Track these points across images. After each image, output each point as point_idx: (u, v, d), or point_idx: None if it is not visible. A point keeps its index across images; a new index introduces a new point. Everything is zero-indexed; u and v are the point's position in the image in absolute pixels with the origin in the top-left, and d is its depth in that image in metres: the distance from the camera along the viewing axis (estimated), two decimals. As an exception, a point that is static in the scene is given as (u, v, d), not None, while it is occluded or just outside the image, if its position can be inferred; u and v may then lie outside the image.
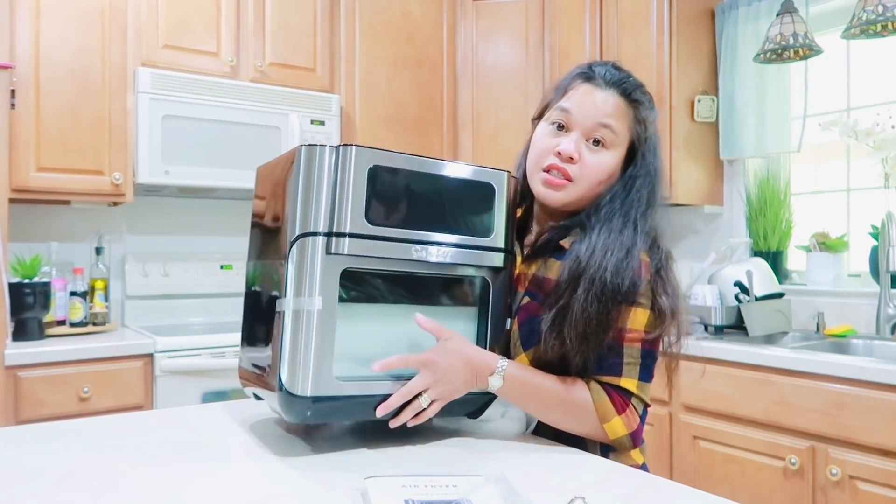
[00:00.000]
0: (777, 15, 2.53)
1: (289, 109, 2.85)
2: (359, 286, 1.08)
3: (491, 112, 3.33)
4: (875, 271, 2.47)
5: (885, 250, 2.36)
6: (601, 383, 1.10)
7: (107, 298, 2.68)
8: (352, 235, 1.02)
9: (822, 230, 2.68)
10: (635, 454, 1.16)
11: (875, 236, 2.50)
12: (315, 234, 1.01)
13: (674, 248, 2.87)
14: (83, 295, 2.61)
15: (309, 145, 1.03)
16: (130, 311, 2.86)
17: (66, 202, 2.63)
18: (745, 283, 2.55)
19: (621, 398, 1.09)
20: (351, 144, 1.03)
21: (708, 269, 2.74)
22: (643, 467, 1.18)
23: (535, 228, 1.26)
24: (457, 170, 1.12)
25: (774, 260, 2.79)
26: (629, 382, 1.10)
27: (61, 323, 2.56)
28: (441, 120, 3.32)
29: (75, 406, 2.25)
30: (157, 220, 3.00)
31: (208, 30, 2.76)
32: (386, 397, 1.06)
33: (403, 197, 1.08)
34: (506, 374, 1.09)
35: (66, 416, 2.18)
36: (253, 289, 1.18)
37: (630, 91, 1.18)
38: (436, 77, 3.31)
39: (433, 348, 1.08)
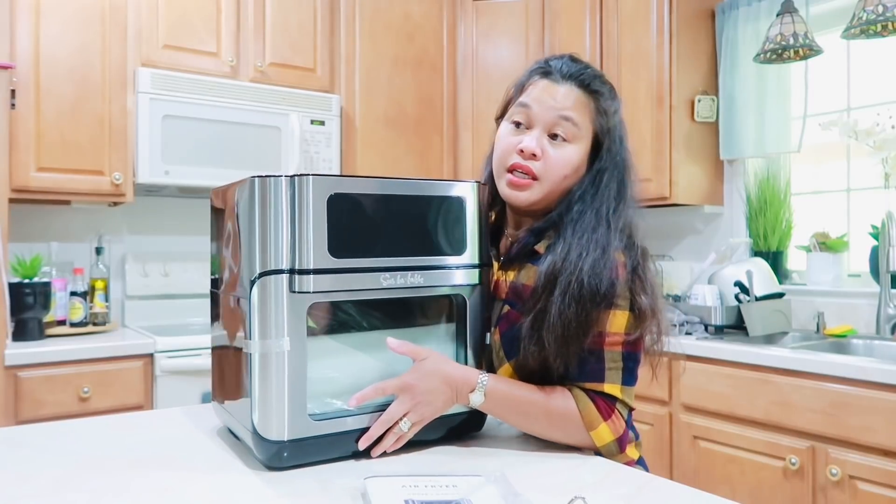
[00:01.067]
0: (777, 15, 2.53)
1: (289, 109, 2.85)
2: (329, 315, 1.04)
3: (491, 112, 3.29)
4: (875, 271, 2.47)
5: (885, 250, 2.36)
6: (584, 390, 1.08)
7: (107, 298, 2.68)
8: (316, 272, 0.97)
9: (822, 230, 2.68)
10: (630, 450, 1.16)
11: (875, 236, 2.50)
12: (276, 272, 0.96)
13: (674, 248, 2.87)
14: (83, 295, 2.61)
15: (261, 177, 0.97)
16: (130, 311, 2.86)
17: (66, 202, 2.63)
18: (745, 283, 2.55)
19: (606, 404, 1.07)
20: (307, 174, 0.98)
21: (708, 269, 2.74)
22: (640, 461, 1.17)
23: (509, 231, 1.24)
24: (423, 188, 1.08)
25: (774, 260, 2.79)
26: (612, 388, 1.08)
27: (61, 323, 2.56)
28: (441, 120, 3.32)
29: (75, 406, 2.25)
30: (157, 220, 3.00)
31: (208, 30, 2.76)
32: (359, 432, 1.03)
33: (368, 223, 1.02)
34: (487, 388, 1.07)
35: (66, 416, 2.18)
36: (218, 320, 1.14)
37: (588, 82, 1.16)
38: (436, 77, 3.31)
39: (410, 370, 1.05)
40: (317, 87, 3.00)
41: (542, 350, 1.06)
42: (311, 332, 1.01)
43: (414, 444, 1.09)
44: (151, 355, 2.40)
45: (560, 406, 1.07)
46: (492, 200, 1.22)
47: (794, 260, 2.85)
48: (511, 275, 1.17)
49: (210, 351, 1.21)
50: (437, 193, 1.09)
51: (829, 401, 1.97)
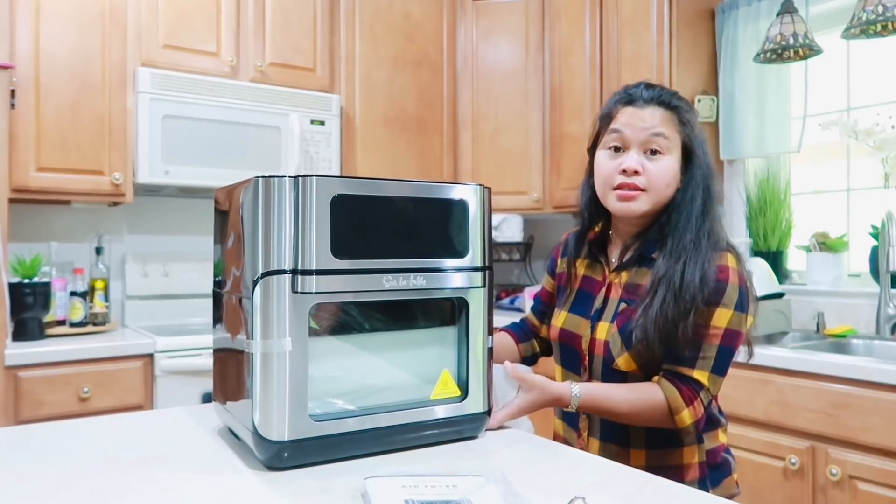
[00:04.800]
0: (777, 15, 2.53)
1: (289, 109, 2.85)
2: (331, 316, 1.04)
3: (491, 112, 3.33)
4: (875, 271, 2.47)
5: (885, 250, 2.35)
6: (672, 375, 1.21)
7: (107, 298, 2.68)
8: (318, 272, 0.97)
9: (822, 230, 2.68)
10: (722, 434, 1.32)
11: (875, 236, 2.50)
12: (279, 272, 0.97)
13: None
14: (83, 295, 2.61)
15: (265, 177, 0.98)
16: (130, 311, 2.86)
17: (66, 202, 2.63)
18: (745, 283, 2.54)
19: (690, 390, 1.20)
20: (311, 175, 0.98)
21: (708, 269, 2.73)
22: (727, 451, 1.33)
23: (616, 242, 1.37)
24: (425, 190, 1.08)
25: (774, 260, 2.78)
26: (701, 374, 1.20)
27: (61, 323, 2.56)
28: (441, 120, 3.32)
29: (75, 406, 2.25)
30: (157, 220, 3.00)
31: (208, 30, 2.76)
32: (360, 433, 1.03)
33: (371, 225, 1.03)
34: (579, 402, 1.21)
35: (66, 416, 2.18)
36: (221, 321, 1.15)
37: (668, 100, 1.28)
38: (436, 77, 3.31)
39: (525, 398, 1.21)
40: (317, 87, 3.00)
41: (645, 339, 1.19)
42: (313, 333, 1.01)
43: (414, 445, 1.09)
44: (151, 355, 2.40)
45: (647, 400, 1.20)
46: (591, 218, 1.39)
47: (794, 260, 2.85)
48: (625, 276, 1.31)
49: (212, 351, 1.21)
50: (440, 196, 1.09)
51: (829, 401, 1.97)
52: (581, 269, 1.40)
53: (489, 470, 0.95)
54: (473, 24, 3.36)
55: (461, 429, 1.14)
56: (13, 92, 2.35)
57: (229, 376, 1.10)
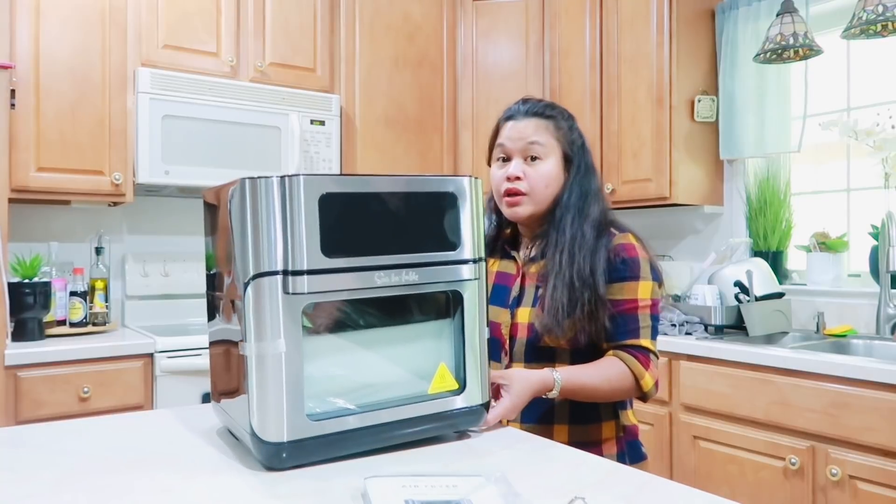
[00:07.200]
0: (777, 15, 2.53)
1: (289, 109, 2.85)
2: (326, 314, 1.04)
3: (491, 112, 3.32)
4: (875, 271, 2.47)
5: (885, 250, 2.36)
6: (626, 348, 1.34)
7: (107, 298, 2.68)
8: (309, 272, 0.97)
9: (822, 230, 2.68)
10: (631, 415, 1.44)
11: (875, 236, 2.50)
12: (270, 273, 0.96)
13: (674, 248, 2.99)
14: (83, 295, 2.61)
15: (251, 178, 0.97)
16: (130, 311, 2.86)
17: (66, 202, 2.63)
18: (745, 283, 2.55)
19: (644, 356, 1.34)
20: (298, 174, 0.97)
21: (708, 269, 2.74)
22: (634, 433, 1.43)
23: (525, 240, 1.51)
24: (414, 184, 1.08)
25: (774, 260, 2.78)
26: (646, 342, 1.36)
27: (61, 323, 2.56)
28: (441, 120, 3.32)
29: (75, 406, 2.25)
30: (157, 220, 3.00)
31: (208, 30, 2.76)
32: (359, 430, 1.03)
33: (360, 222, 1.02)
34: (561, 386, 1.30)
35: (66, 416, 2.18)
36: (214, 322, 1.14)
37: (541, 111, 1.44)
38: (436, 77, 3.31)
39: (510, 391, 1.24)
40: (317, 87, 3.00)
41: (556, 326, 1.33)
42: (309, 332, 1.01)
43: (414, 443, 1.09)
44: (151, 355, 2.39)
45: (615, 372, 1.33)
46: (499, 225, 1.53)
47: (794, 260, 2.85)
48: (540, 265, 1.43)
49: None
50: (429, 189, 1.09)
51: (829, 401, 1.97)
52: (494, 267, 1.53)
53: (489, 470, 0.95)
54: (473, 24, 3.36)
55: (460, 421, 1.14)
56: (13, 92, 2.35)
57: (225, 378, 1.09)
